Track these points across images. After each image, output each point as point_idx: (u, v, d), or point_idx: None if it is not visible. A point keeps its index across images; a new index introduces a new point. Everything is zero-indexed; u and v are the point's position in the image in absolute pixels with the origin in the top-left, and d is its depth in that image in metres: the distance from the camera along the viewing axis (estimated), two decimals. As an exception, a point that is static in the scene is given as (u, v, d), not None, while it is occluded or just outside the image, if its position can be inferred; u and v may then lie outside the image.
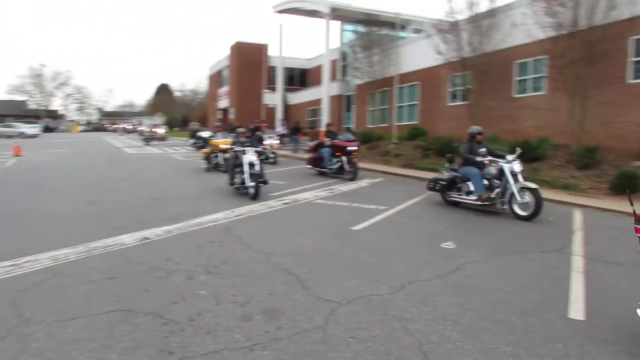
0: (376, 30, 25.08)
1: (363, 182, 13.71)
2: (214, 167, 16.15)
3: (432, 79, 21.43)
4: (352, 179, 13.63)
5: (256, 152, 10.93)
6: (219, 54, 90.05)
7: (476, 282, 5.20)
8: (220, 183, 12.54)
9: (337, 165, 14.22)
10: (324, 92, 29.46)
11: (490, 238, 7.21)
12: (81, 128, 75.00)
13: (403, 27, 26.96)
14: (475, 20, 17.37)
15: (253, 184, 10.30)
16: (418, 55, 22.08)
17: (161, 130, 40.53)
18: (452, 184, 9.98)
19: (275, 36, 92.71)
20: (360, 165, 17.63)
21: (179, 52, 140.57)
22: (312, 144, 16.58)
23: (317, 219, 8.43)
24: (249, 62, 40.78)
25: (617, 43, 13.73)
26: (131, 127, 63.40)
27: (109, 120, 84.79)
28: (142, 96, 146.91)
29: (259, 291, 4.89)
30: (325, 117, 29.51)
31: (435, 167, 15.51)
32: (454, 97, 20.26)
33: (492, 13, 17.12)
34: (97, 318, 4.22)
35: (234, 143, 11.92)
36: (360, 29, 30.41)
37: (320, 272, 5.48)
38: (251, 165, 10.46)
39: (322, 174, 14.91)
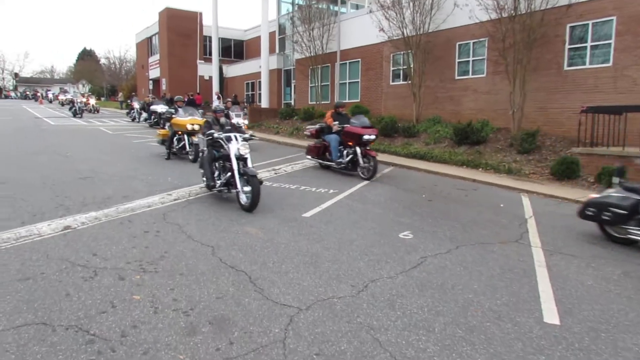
0: (314, 3, 24.19)
1: (309, 163, 13.14)
2: (178, 153, 12.71)
3: (373, 56, 21.04)
4: (370, 178, 10.32)
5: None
6: (148, 20, 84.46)
7: (442, 279, 4.85)
8: (173, 167, 11.48)
9: (348, 159, 10.93)
10: (263, 65, 28.30)
11: (447, 226, 6.94)
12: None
13: (344, 2, 26.28)
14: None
15: (248, 189, 7.21)
16: (359, 31, 21.55)
17: (92, 101, 36.29)
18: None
19: (207, 3, 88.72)
20: (304, 143, 17.05)
21: (102, 15, 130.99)
22: (312, 127, 12.69)
23: (265, 204, 7.78)
24: (181, 30, 38.38)
25: (556, 29, 13.96)
26: (50, 94, 58.10)
27: (27, 88, 77.65)
28: (64, 62, 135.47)
29: (204, 294, 4.24)
30: (265, 92, 28.47)
31: (379, 148, 15.28)
32: (396, 76, 20.03)
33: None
34: (4, 335, 3.40)
35: (207, 124, 8.58)
36: (299, 0, 29.38)
37: (272, 269, 4.90)
38: (241, 159, 7.51)
39: (326, 167, 11.80)
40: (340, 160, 11.09)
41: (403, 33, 17.38)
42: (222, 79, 34.72)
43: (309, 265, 5.06)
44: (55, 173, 9.80)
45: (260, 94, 33.34)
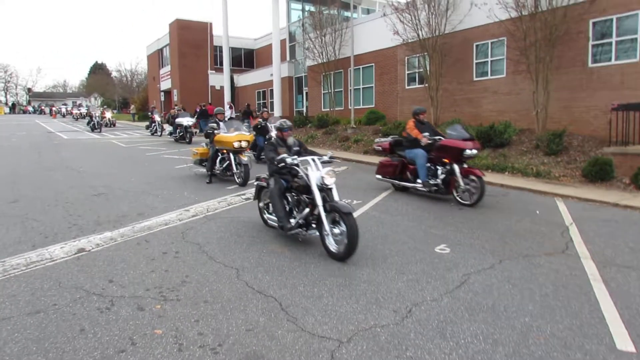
0: (325, 9, 23.85)
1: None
2: (221, 175, 10.94)
3: (387, 60, 20.62)
4: (475, 203, 8.25)
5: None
6: (159, 32, 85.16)
7: (491, 300, 4.37)
8: (188, 179, 11.12)
9: (441, 179, 8.68)
10: (274, 73, 28.03)
11: (484, 237, 6.45)
12: (7, 110, 69.04)
13: (355, 7, 25.95)
14: (434, -1, 16.61)
15: (340, 230, 5.35)
16: (372, 35, 21.16)
17: (108, 114, 34.68)
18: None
19: (217, 14, 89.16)
20: (320, 152, 16.64)
21: (114, 29, 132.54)
22: (384, 141, 10.48)
23: (286, 218, 7.37)
24: (191, 40, 38.37)
25: (578, 25, 13.42)
26: (64, 109, 57.30)
27: (42, 102, 78.46)
28: (76, 76, 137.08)
29: (232, 326, 3.81)
30: (277, 100, 28.19)
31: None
32: (412, 79, 19.57)
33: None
34: (10, 387, 3.01)
35: (272, 146, 6.52)
36: (309, 7, 29.09)
37: (304, 294, 4.46)
38: (325, 190, 5.76)
39: (403, 189, 9.62)
40: (430, 180, 8.80)
41: (418, 35, 16.94)
42: (233, 88, 34.55)
43: (344, 288, 4.61)
44: (69, 190, 9.50)
45: (271, 103, 33.12)
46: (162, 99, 43.84)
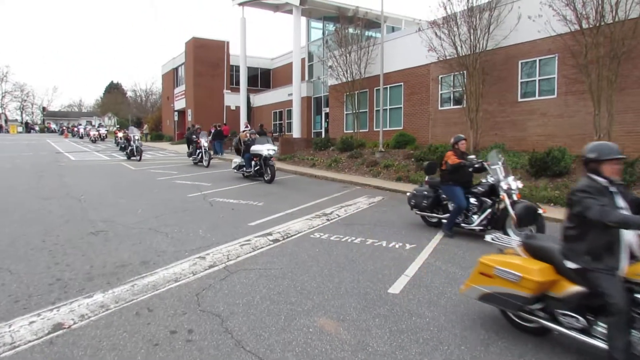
0: (348, 27, 22.56)
1: (360, 201, 11.13)
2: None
3: (418, 79, 19.15)
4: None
5: None
6: (175, 51, 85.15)
7: None
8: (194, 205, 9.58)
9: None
10: (294, 93, 26.75)
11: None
12: (20, 129, 68.76)
13: (379, 24, 24.69)
14: (475, 13, 15.17)
15: None
16: (401, 53, 19.75)
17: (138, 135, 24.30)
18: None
19: (235, 33, 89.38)
20: (347, 178, 15.14)
21: (130, 49, 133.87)
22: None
23: (331, 272, 5.76)
24: (207, 59, 37.42)
25: (646, 41, 11.85)
26: (82, 129, 51.65)
27: (52, 121, 78.36)
28: (92, 95, 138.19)
29: None
30: (295, 121, 26.85)
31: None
32: (446, 100, 18.04)
33: (493, 5, 14.97)
34: None
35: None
36: (330, 25, 27.95)
37: None
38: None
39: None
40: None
41: (457, 52, 15.45)
42: (249, 108, 33.36)
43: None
44: (63, 225, 7.96)
45: (288, 124, 31.82)
46: (176, 118, 42.81)
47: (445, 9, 15.91)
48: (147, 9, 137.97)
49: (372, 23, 24.01)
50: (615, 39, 11.55)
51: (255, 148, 14.68)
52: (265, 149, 14.43)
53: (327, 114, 27.17)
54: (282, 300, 4.78)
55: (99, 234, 7.41)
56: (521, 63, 14.99)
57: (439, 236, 7.77)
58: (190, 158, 20.91)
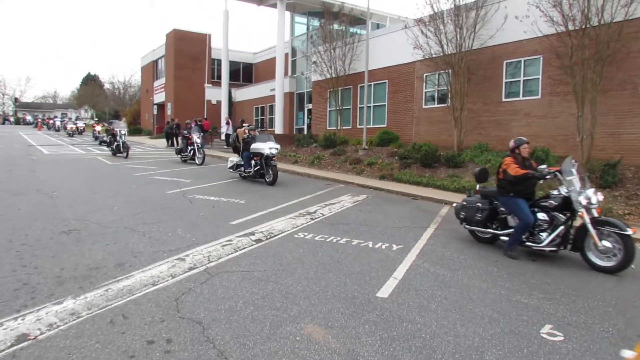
0: (332, 22, 22.32)
1: (344, 199, 10.93)
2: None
3: (403, 77, 19.03)
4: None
5: None
6: (155, 43, 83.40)
7: None
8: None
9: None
10: (277, 88, 26.43)
11: (596, 310, 4.67)
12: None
13: (365, 22, 24.54)
14: (461, 12, 15.10)
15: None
16: (386, 50, 19.61)
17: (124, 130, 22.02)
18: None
19: (217, 26, 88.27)
20: (330, 175, 14.94)
21: (109, 40, 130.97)
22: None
23: (317, 274, 5.55)
24: (188, 52, 36.67)
25: (629, 45, 11.92)
26: (58, 121, 49.47)
27: (28, 112, 76.14)
28: (68, 87, 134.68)
29: None
30: (278, 117, 26.54)
31: (421, 181, 13.09)
32: (430, 99, 17.97)
33: (480, 4, 14.92)
34: None
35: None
36: (314, 21, 27.69)
37: None
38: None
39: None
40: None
41: (443, 50, 15.36)
42: (230, 103, 32.84)
43: None
44: (32, 224, 7.55)
45: (270, 119, 31.48)
46: (155, 112, 41.95)
47: (432, 6, 15.88)
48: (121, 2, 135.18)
49: (357, 19, 23.81)
50: (600, 42, 11.59)
51: (256, 146, 13.37)
52: (267, 147, 13.10)
53: (309, 110, 26.93)
54: (267, 306, 4.54)
55: (71, 233, 7.04)
56: (506, 63, 14.99)
57: (425, 236, 7.63)
58: (179, 155, 19.15)
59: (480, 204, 7.29)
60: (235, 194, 11.15)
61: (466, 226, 7.52)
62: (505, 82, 15.09)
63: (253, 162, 13.51)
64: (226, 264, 5.80)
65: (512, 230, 6.81)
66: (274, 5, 26.64)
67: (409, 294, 5.00)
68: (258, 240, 6.98)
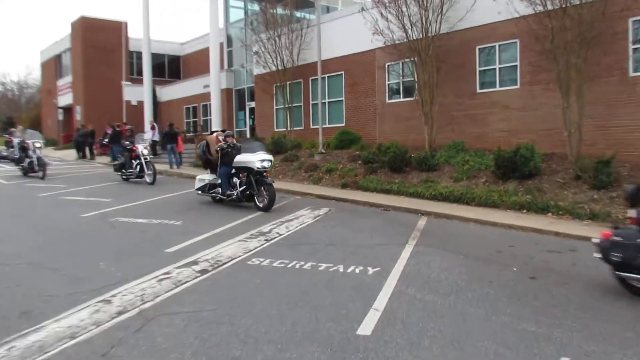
0: (275, 6, 22.23)
1: (303, 214, 10.71)
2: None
3: (362, 67, 19.13)
4: None
5: None
6: (58, 34, 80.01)
7: None
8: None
9: None
10: (212, 84, 25.97)
11: (617, 337, 4.66)
12: None
13: (313, 4, 24.58)
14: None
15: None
16: (342, 37, 19.66)
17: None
18: None
19: (135, 13, 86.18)
20: (283, 186, 14.70)
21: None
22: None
23: (280, 310, 5.26)
24: (100, 44, 35.53)
25: (614, 25, 12.46)
26: None
27: None
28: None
29: None
30: (215, 118, 26.06)
31: (391, 189, 13.09)
32: (395, 92, 18.14)
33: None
34: None
35: None
36: (254, 5, 27.48)
37: None
38: None
39: None
40: None
41: (407, 35, 15.52)
42: (155, 104, 31.96)
43: None
44: None
45: (205, 121, 30.90)
46: (61, 117, 40.28)
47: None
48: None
49: (304, 2, 23.79)
50: (584, 22, 12.01)
51: (242, 159, 11.52)
52: (258, 159, 11.21)
53: (252, 109, 26.62)
54: (222, 355, 4.22)
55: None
56: (479, 49, 15.35)
57: (404, 255, 7.52)
58: (119, 173, 17.25)
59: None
60: (169, 214, 10.70)
61: (617, 273, 5.77)
62: (480, 71, 15.44)
63: (236, 180, 11.75)
64: (165, 304, 5.41)
65: None
66: (204, -14, 26.28)
67: (396, 329, 4.80)
68: (203, 271, 6.61)
